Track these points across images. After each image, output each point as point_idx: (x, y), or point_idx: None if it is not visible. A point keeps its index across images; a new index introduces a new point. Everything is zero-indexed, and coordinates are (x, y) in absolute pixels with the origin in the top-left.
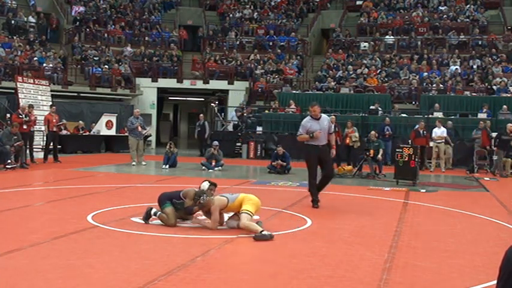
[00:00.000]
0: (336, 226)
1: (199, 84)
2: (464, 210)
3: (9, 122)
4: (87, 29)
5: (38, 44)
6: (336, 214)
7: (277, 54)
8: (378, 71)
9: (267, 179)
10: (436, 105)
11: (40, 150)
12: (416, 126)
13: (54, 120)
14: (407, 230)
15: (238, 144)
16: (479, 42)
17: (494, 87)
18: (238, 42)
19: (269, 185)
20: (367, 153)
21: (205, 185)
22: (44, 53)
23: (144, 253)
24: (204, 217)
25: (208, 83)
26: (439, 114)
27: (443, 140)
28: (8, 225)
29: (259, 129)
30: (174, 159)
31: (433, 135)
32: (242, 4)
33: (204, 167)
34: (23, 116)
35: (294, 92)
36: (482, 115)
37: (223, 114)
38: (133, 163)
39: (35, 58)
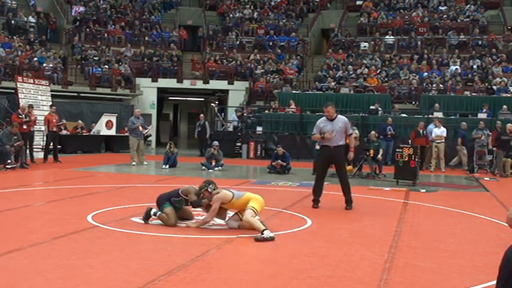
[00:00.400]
0: (336, 226)
1: (199, 84)
2: (464, 210)
3: (9, 122)
4: (87, 29)
5: (38, 44)
6: (336, 214)
7: (277, 54)
8: (378, 71)
9: (267, 179)
10: (436, 105)
11: (40, 150)
12: (430, 126)
13: (54, 120)
14: (407, 230)
15: (238, 144)
16: (479, 42)
17: (494, 87)
18: (238, 42)
19: (269, 185)
20: (367, 153)
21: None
22: (44, 53)
23: (144, 253)
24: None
25: (208, 83)
26: (439, 114)
27: (443, 140)
28: (8, 225)
29: (259, 129)
30: (174, 159)
31: (433, 135)
32: (242, 4)
33: (204, 167)
34: (23, 116)
35: (294, 92)
36: (482, 115)
37: (223, 114)
38: (133, 163)
39: (35, 58)
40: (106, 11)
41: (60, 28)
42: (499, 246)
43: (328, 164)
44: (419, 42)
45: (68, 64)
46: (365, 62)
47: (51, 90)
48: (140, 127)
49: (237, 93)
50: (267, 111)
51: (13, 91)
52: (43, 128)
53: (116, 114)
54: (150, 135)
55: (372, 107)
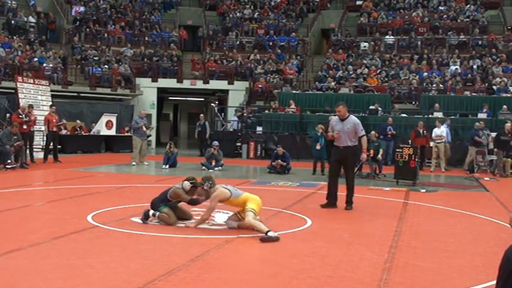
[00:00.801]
0: (336, 226)
1: (199, 84)
2: (464, 210)
3: (9, 122)
4: (87, 29)
5: (38, 44)
6: (336, 214)
7: (277, 54)
8: (378, 71)
9: (267, 179)
10: (436, 105)
11: (40, 150)
12: (443, 127)
13: (54, 120)
14: (407, 230)
15: (238, 144)
16: (479, 42)
17: (494, 87)
18: (238, 42)
19: (269, 185)
20: (367, 153)
21: (186, 184)
22: (44, 53)
23: (144, 253)
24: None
25: (208, 83)
26: (439, 114)
27: (443, 140)
28: (8, 225)
29: (259, 129)
30: (174, 159)
31: (433, 135)
32: (242, 4)
33: (204, 167)
34: (23, 116)
35: (294, 92)
36: (482, 115)
37: (223, 114)
38: (133, 163)
39: (35, 58)
40: (106, 11)
41: (60, 28)
42: (499, 246)
43: (339, 164)
44: (419, 42)
45: (68, 64)
46: (365, 62)
47: (51, 90)
48: (144, 127)
49: (237, 93)
50: (267, 111)
51: (13, 91)
52: (43, 128)
53: (116, 114)
54: (150, 135)
55: (371, 107)
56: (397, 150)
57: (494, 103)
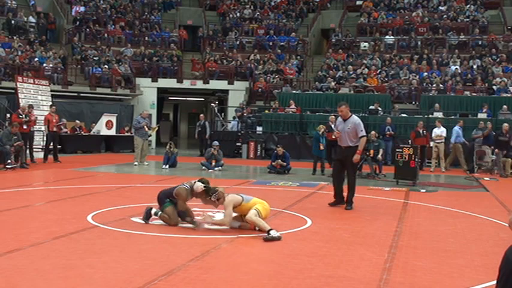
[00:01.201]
0: (336, 226)
1: (199, 84)
2: (464, 210)
3: (9, 122)
4: (87, 29)
5: (38, 44)
6: (336, 214)
7: (277, 54)
8: (378, 71)
9: (267, 179)
10: (436, 105)
11: (40, 150)
12: (456, 128)
13: (54, 120)
14: (407, 230)
15: (238, 144)
16: (479, 42)
17: (494, 87)
18: (238, 42)
19: (269, 185)
20: (367, 153)
21: (199, 185)
22: (44, 53)
23: (144, 253)
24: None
25: (208, 83)
26: (439, 114)
27: (443, 140)
28: (8, 225)
29: (259, 129)
30: (174, 159)
31: (433, 135)
32: (242, 4)
33: (204, 167)
34: (23, 116)
35: (294, 92)
36: (482, 115)
37: (223, 114)
38: (135, 163)
39: (35, 58)
40: (106, 11)
41: (60, 28)
42: (499, 246)
43: (340, 164)
44: (419, 42)
45: (68, 64)
46: (365, 62)
47: (51, 90)
48: (146, 127)
49: (237, 93)
50: (267, 111)
51: (13, 91)
52: (43, 128)
53: (116, 114)
54: (150, 135)
55: (371, 107)
56: (397, 150)
57: (494, 103)
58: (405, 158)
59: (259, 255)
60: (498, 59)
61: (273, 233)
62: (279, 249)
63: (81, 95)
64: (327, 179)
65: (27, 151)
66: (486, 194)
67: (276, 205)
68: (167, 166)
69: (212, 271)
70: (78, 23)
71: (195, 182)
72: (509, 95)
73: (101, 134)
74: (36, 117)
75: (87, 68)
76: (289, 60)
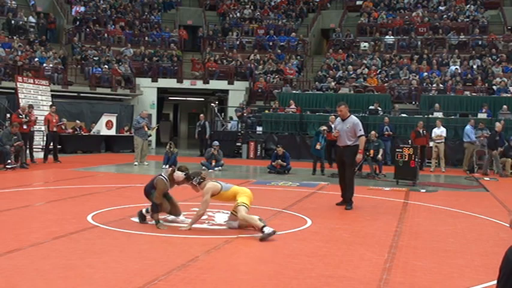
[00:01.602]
0: (336, 226)
1: (199, 84)
2: (464, 210)
3: (9, 122)
4: (87, 29)
5: (38, 44)
6: (336, 214)
7: (277, 54)
8: (378, 71)
9: (267, 179)
10: (436, 105)
11: (40, 150)
12: (468, 127)
13: (54, 120)
14: (407, 230)
15: (238, 144)
16: (479, 42)
17: (494, 87)
18: (238, 42)
19: (269, 185)
20: (367, 153)
21: (179, 174)
22: (44, 53)
23: (144, 253)
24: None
25: (208, 83)
26: (439, 114)
27: (443, 140)
28: (8, 225)
29: (259, 129)
30: (174, 159)
31: (433, 135)
32: (242, 4)
33: (204, 167)
34: (23, 116)
35: (294, 92)
36: (482, 115)
37: (223, 114)
38: (136, 163)
39: (35, 58)
40: (106, 11)
41: (60, 28)
42: (499, 246)
43: (343, 164)
44: (419, 42)
45: (68, 64)
46: (365, 62)
47: (51, 90)
48: (146, 127)
49: (237, 93)
50: (267, 111)
51: (13, 91)
52: (43, 128)
53: (116, 114)
54: (150, 135)
55: (371, 107)
56: (397, 150)
57: (494, 103)
58: (405, 158)
59: (259, 255)
60: (498, 59)
61: (267, 230)
62: (279, 249)
63: (81, 95)
64: (327, 179)
65: (27, 151)
66: (486, 194)
67: (276, 205)
68: (167, 166)
69: (212, 271)
70: (78, 23)
71: (171, 171)
72: (509, 95)
73: (101, 134)
74: (36, 117)
75: (87, 68)
76: (289, 60)
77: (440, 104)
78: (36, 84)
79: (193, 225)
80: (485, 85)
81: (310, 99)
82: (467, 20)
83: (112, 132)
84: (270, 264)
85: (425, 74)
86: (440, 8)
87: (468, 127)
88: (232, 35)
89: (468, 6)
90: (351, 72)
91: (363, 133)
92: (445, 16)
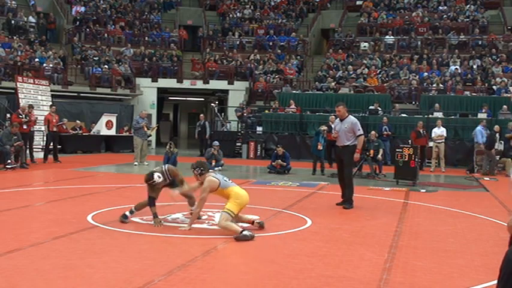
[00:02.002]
0: (336, 226)
1: (199, 84)
2: (464, 210)
3: (9, 122)
4: (87, 29)
5: (38, 44)
6: (335, 214)
7: (277, 54)
8: (378, 71)
9: (267, 179)
10: (436, 105)
11: (40, 150)
12: (479, 128)
13: (54, 120)
14: (407, 230)
15: (238, 144)
16: (479, 42)
17: (494, 87)
18: (238, 42)
19: (269, 185)
20: (367, 153)
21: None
22: (44, 53)
23: (144, 253)
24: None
25: (208, 83)
26: (439, 114)
27: (443, 140)
28: (8, 225)
29: (259, 129)
30: (174, 159)
31: (433, 135)
32: (242, 4)
33: None
34: (23, 116)
35: (294, 92)
36: (482, 115)
37: (223, 114)
38: (135, 163)
39: (35, 58)
40: (106, 11)
41: (60, 28)
42: (499, 246)
43: (341, 163)
44: (419, 42)
45: (68, 64)
46: (365, 62)
47: (51, 90)
48: (145, 127)
49: (237, 93)
50: (267, 111)
51: (13, 91)
52: (43, 128)
53: (116, 114)
54: (150, 135)
55: (371, 107)
56: (397, 150)
57: (494, 103)
58: (405, 158)
59: (259, 255)
60: (498, 59)
61: (246, 232)
62: (279, 249)
63: (81, 95)
64: (327, 179)
65: (27, 151)
66: (486, 194)
67: (276, 205)
68: (166, 166)
69: (212, 271)
70: (78, 23)
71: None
72: (509, 95)
73: (101, 134)
74: (36, 117)
75: (87, 68)
76: (289, 60)
77: (440, 104)
78: (36, 84)
79: (193, 225)
80: (485, 85)
81: (310, 99)
82: (467, 20)
83: (112, 132)
84: (270, 264)
85: (425, 74)
86: (440, 8)
87: (480, 128)
88: (233, 35)
89: (468, 6)
90: (351, 72)
91: (362, 133)
92: (445, 16)
